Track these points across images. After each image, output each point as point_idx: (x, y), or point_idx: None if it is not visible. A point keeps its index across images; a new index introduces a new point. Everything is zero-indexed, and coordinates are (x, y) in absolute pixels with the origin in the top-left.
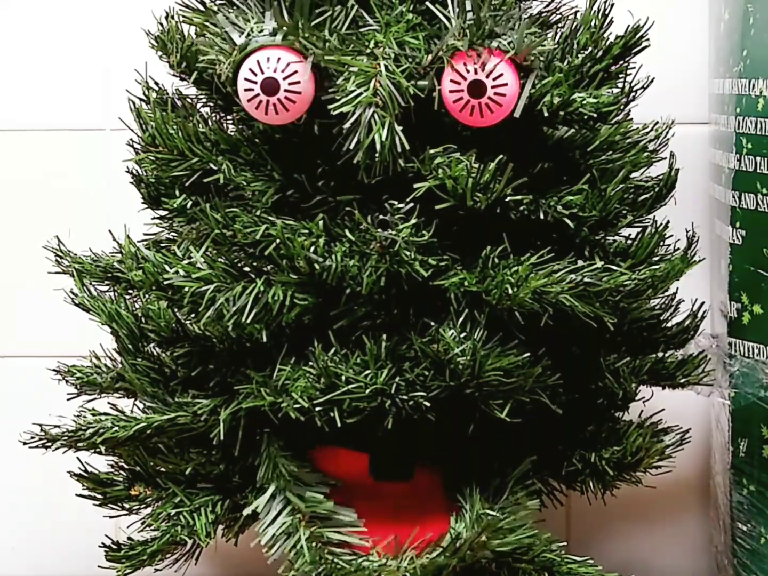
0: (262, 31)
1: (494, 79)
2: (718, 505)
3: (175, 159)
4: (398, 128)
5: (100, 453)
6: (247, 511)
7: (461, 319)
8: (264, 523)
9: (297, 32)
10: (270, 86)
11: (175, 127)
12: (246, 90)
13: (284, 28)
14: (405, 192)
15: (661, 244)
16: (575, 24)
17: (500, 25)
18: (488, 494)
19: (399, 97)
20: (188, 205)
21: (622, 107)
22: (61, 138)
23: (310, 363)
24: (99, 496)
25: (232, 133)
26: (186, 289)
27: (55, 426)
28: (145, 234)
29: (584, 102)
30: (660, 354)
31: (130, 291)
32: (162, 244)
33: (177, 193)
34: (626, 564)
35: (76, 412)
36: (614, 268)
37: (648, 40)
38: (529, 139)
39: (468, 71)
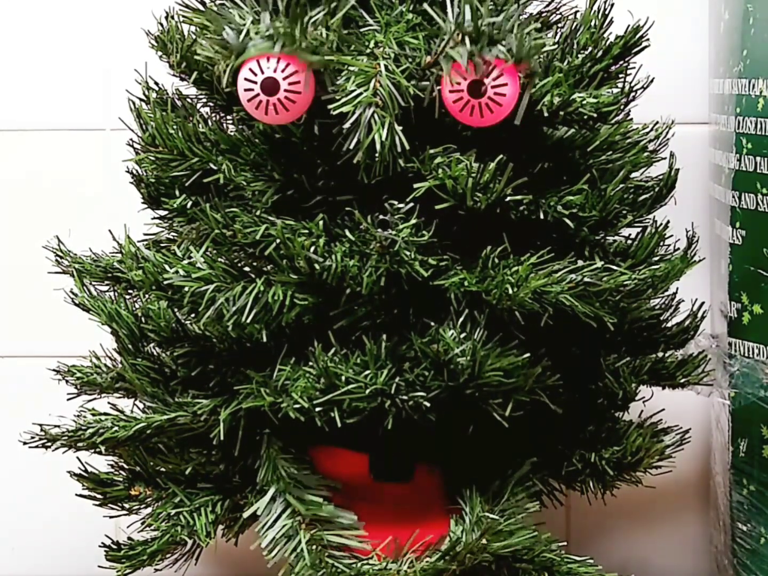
0: (258, 33)
1: (494, 79)
2: (718, 505)
3: (175, 159)
4: (398, 128)
5: (100, 453)
6: (247, 513)
7: (461, 319)
8: (264, 526)
9: (295, 40)
10: (270, 86)
11: (175, 127)
12: (246, 90)
13: (282, 34)
14: (405, 192)
15: (661, 244)
16: (575, 24)
17: (499, 30)
18: (488, 496)
19: (399, 97)
20: (188, 205)
21: (622, 107)
22: (61, 138)
23: (310, 363)
24: (99, 496)
25: (232, 133)
26: (186, 289)
27: (55, 426)
28: (145, 234)
29: (584, 102)
30: (660, 354)
31: (130, 291)
32: (162, 244)
33: (177, 193)
34: (626, 564)
35: (76, 412)
36: (614, 268)
37: (648, 40)
38: (529, 139)
39: (468, 71)
